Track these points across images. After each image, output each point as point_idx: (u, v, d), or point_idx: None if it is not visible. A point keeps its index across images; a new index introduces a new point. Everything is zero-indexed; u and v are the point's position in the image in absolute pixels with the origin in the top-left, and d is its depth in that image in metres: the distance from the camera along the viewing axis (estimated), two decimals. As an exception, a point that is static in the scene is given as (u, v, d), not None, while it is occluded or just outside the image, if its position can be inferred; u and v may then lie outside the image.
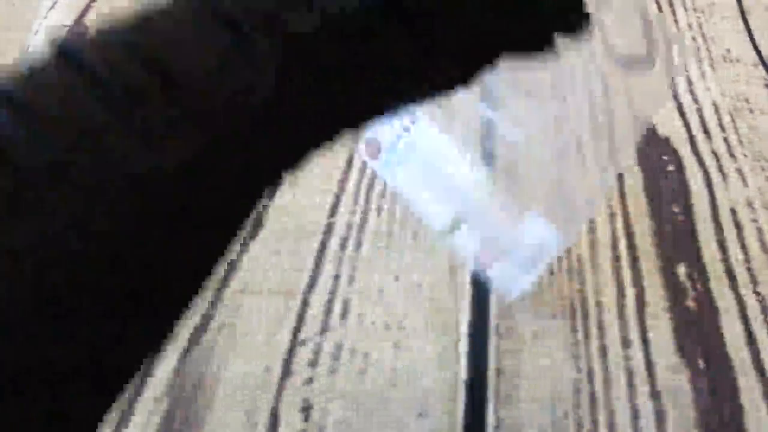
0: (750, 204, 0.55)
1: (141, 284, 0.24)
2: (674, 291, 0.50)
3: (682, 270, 0.51)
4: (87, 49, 0.24)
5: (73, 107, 0.23)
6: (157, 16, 0.25)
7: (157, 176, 0.23)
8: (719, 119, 0.62)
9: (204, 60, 0.25)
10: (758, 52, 0.69)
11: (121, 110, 0.23)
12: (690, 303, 0.49)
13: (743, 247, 0.52)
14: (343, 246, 0.53)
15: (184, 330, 0.49)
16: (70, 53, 0.24)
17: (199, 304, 0.51)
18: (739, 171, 0.58)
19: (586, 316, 0.48)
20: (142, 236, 0.24)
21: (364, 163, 0.57)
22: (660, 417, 0.43)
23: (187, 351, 0.48)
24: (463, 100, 0.41)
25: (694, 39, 0.71)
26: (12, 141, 0.22)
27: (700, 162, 0.58)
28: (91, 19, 0.79)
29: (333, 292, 0.50)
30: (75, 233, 0.22)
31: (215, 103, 0.24)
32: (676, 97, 0.64)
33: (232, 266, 0.53)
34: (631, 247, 0.52)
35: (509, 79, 0.41)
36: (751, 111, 0.63)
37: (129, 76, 0.24)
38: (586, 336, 0.47)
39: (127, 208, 0.23)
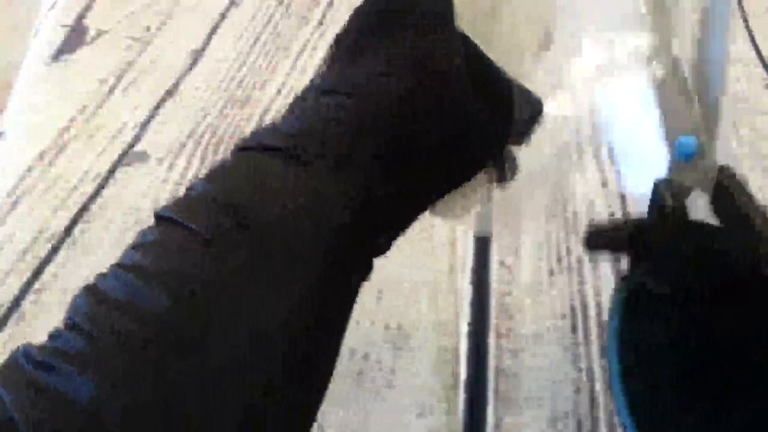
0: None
1: None
2: (674, 291, 0.50)
3: (682, 270, 0.51)
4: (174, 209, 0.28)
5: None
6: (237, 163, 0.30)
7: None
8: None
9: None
10: (758, 52, 0.69)
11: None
12: (690, 303, 0.49)
13: (743, 247, 0.52)
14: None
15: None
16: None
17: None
18: (739, 171, 0.58)
19: (586, 316, 0.48)
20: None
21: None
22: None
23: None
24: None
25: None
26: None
27: (700, 162, 0.58)
28: (91, 19, 0.79)
29: (333, 292, 0.50)
30: None
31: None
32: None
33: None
34: (631, 247, 0.52)
35: None
36: (751, 111, 0.63)
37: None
38: (586, 336, 0.47)
39: None
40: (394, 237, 0.33)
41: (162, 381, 0.24)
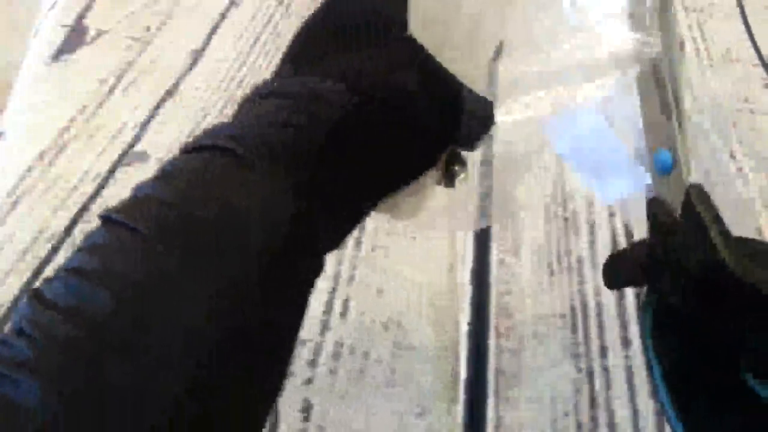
0: (750, 204, 0.55)
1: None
2: (674, 291, 0.50)
3: (682, 270, 0.51)
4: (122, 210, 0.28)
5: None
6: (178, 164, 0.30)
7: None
8: (719, 119, 0.62)
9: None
10: (758, 52, 0.69)
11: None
12: (690, 303, 0.49)
13: (743, 247, 0.52)
14: (342, 245, 0.53)
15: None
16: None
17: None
18: (740, 171, 0.58)
19: (586, 316, 0.48)
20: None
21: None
22: (660, 417, 0.43)
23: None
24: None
25: (694, 39, 0.71)
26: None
27: (700, 162, 0.58)
28: (91, 19, 0.79)
29: (333, 292, 0.50)
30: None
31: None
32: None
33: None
34: (631, 247, 0.52)
35: None
36: (751, 111, 0.63)
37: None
38: (586, 336, 0.47)
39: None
40: (342, 235, 0.34)
41: (99, 383, 0.24)
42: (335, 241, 0.34)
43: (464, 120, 0.37)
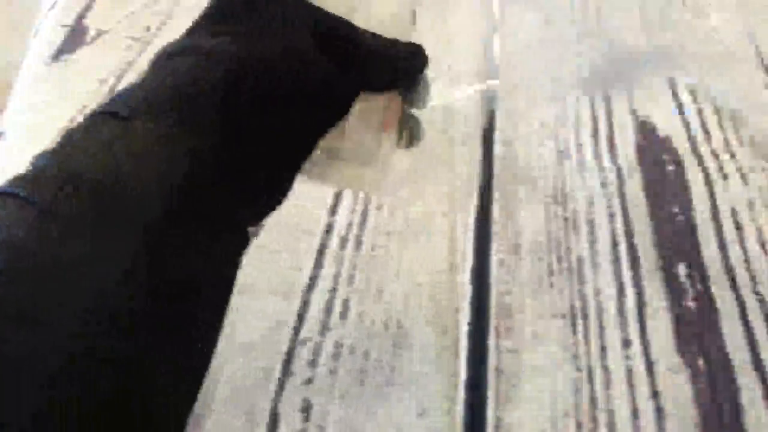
0: (750, 204, 0.55)
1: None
2: (674, 291, 0.50)
3: (682, 270, 0.51)
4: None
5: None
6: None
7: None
8: (719, 119, 0.62)
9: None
10: (758, 53, 0.69)
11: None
12: (690, 303, 0.49)
13: (743, 247, 0.52)
14: (343, 245, 0.53)
15: (183, 330, 0.49)
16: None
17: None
18: (739, 171, 0.58)
19: (586, 316, 0.48)
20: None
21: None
22: (660, 417, 0.43)
23: (186, 351, 0.48)
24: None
25: (693, 38, 0.71)
26: None
27: (700, 162, 0.58)
28: (91, 19, 0.79)
29: (333, 292, 0.50)
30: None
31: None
32: (675, 96, 0.65)
33: (232, 266, 0.53)
34: (631, 247, 0.52)
35: None
36: (751, 111, 0.63)
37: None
38: (586, 336, 0.47)
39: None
40: (265, 206, 0.34)
41: None
42: (258, 213, 0.33)
43: (389, 67, 0.39)
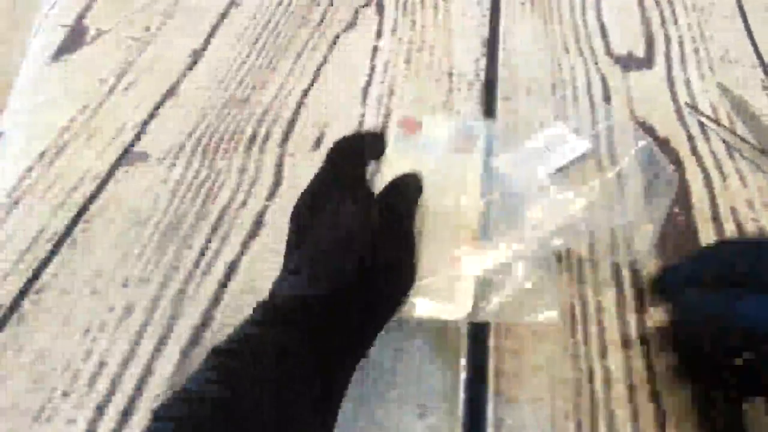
0: (750, 204, 0.55)
1: None
2: (674, 291, 0.50)
3: (682, 270, 0.51)
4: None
5: None
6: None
7: None
8: (719, 119, 0.62)
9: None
10: (758, 53, 0.69)
11: None
12: (690, 303, 0.49)
13: (743, 248, 0.52)
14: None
15: (184, 330, 0.49)
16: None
17: (200, 304, 0.51)
18: (739, 171, 0.58)
19: (586, 316, 0.49)
20: None
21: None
22: (660, 417, 0.43)
23: (187, 351, 0.48)
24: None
25: (693, 39, 0.71)
26: None
27: (700, 162, 0.59)
28: (91, 19, 0.79)
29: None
30: None
31: None
32: (675, 97, 0.65)
33: (233, 266, 0.53)
34: (631, 247, 0.52)
35: None
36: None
37: None
38: (586, 336, 0.47)
39: None
40: (351, 367, 0.41)
41: None
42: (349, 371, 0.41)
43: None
